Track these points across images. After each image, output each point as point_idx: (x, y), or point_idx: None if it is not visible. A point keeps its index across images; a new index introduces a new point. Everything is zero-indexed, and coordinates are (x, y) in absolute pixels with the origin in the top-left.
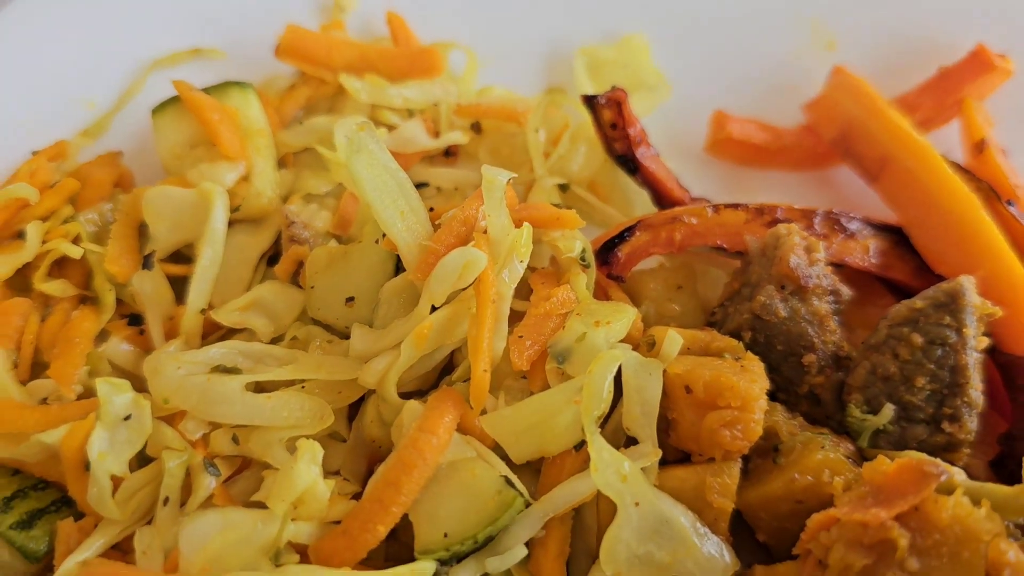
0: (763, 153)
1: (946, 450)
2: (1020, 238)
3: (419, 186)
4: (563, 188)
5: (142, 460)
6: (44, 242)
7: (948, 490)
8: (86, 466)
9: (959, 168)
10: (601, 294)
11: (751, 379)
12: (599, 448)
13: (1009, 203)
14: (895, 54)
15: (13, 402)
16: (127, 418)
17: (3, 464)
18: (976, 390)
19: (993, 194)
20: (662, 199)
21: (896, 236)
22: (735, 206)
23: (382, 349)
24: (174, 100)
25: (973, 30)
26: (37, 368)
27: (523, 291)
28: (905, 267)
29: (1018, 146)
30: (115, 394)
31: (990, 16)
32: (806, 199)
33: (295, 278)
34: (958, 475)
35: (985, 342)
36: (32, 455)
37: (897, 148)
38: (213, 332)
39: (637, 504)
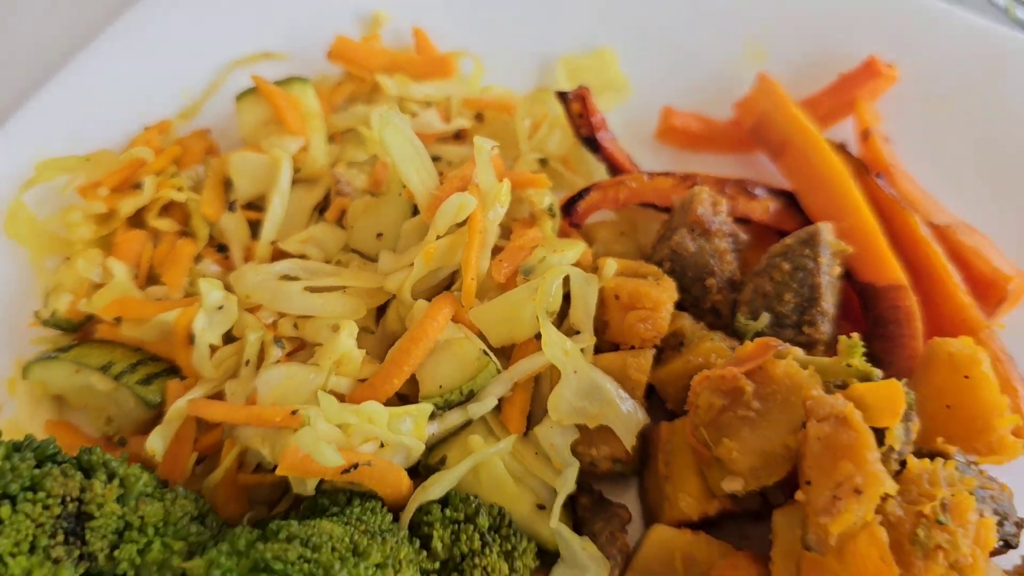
0: (699, 140)
1: (806, 347)
2: (882, 201)
3: (434, 159)
4: (542, 162)
5: (228, 339)
6: (156, 191)
7: (784, 357)
8: (191, 340)
9: (839, 149)
10: (563, 237)
11: (662, 291)
12: (548, 331)
13: (878, 176)
14: (807, 64)
15: (136, 299)
16: (220, 307)
17: (129, 344)
18: (828, 303)
19: (863, 168)
20: (616, 171)
21: (788, 199)
22: (665, 174)
23: (401, 266)
24: (252, 90)
25: (868, 46)
26: (151, 281)
27: (505, 235)
28: (793, 222)
29: (899, 136)
30: (212, 290)
31: (882, 35)
32: (730, 173)
33: (340, 221)
34: (795, 351)
35: (838, 270)
36: (151, 336)
37: (794, 134)
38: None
39: (576, 372)
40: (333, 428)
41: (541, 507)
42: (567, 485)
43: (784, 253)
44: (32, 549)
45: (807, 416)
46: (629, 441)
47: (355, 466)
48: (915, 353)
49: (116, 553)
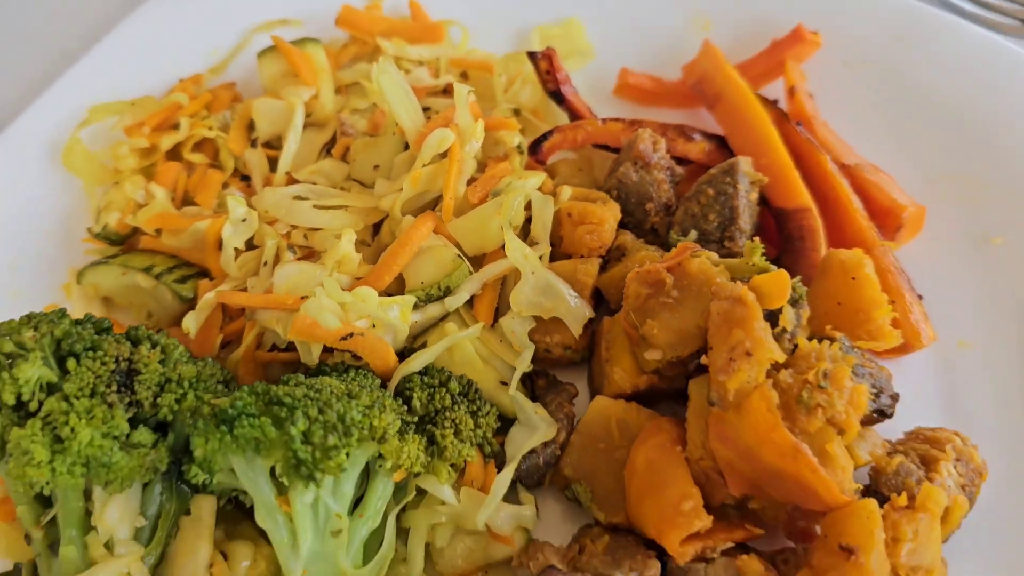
0: (652, 96)
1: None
2: (798, 144)
3: (425, 110)
4: (516, 112)
5: (250, 246)
6: (190, 130)
7: (699, 256)
8: (219, 245)
9: (765, 102)
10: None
11: (607, 210)
12: (511, 238)
13: (798, 123)
14: (746, 33)
15: (174, 214)
16: (244, 220)
17: (167, 251)
18: (745, 222)
19: (784, 117)
20: (577, 119)
21: (720, 141)
22: (616, 120)
23: (393, 190)
24: (271, 48)
25: (797, 16)
26: (186, 203)
27: (482, 170)
28: (723, 160)
29: (821, 93)
30: (237, 205)
31: (809, 6)
32: None
33: (344, 157)
34: (709, 253)
35: (755, 196)
36: (186, 243)
37: (727, 88)
38: None
39: (533, 273)
40: (334, 304)
41: (504, 384)
42: (524, 363)
43: (709, 181)
44: (92, 394)
45: (712, 299)
46: (576, 330)
47: (351, 335)
48: (817, 263)
49: (158, 401)
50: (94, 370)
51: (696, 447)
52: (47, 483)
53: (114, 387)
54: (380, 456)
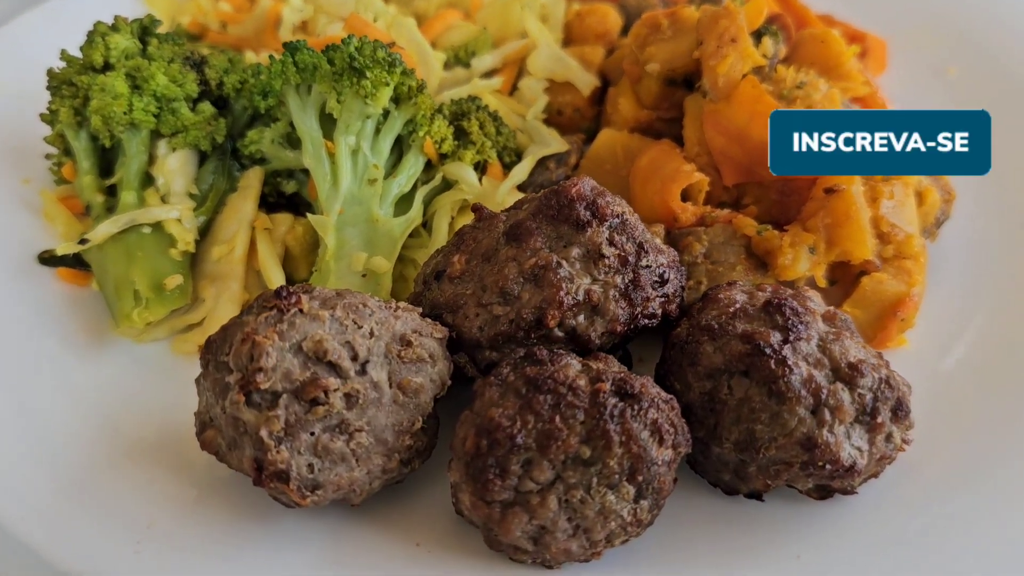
0: None
1: None
2: None
3: None
4: None
5: None
6: None
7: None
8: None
9: None
10: None
11: (611, 8)
12: (528, 16)
13: None
14: None
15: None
16: (300, 10)
17: (231, 43)
18: None
19: None
20: None
21: None
22: None
23: None
24: None
25: None
26: None
27: None
28: None
29: None
30: None
31: None
32: None
33: None
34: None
35: None
36: (249, 31)
37: None
38: None
39: (547, 46)
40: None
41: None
42: (539, 105)
43: None
44: (170, 61)
45: (700, 27)
46: (585, 91)
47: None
48: None
49: (224, 79)
50: (172, 49)
51: (692, 144)
52: (122, 123)
53: (188, 65)
54: (414, 131)
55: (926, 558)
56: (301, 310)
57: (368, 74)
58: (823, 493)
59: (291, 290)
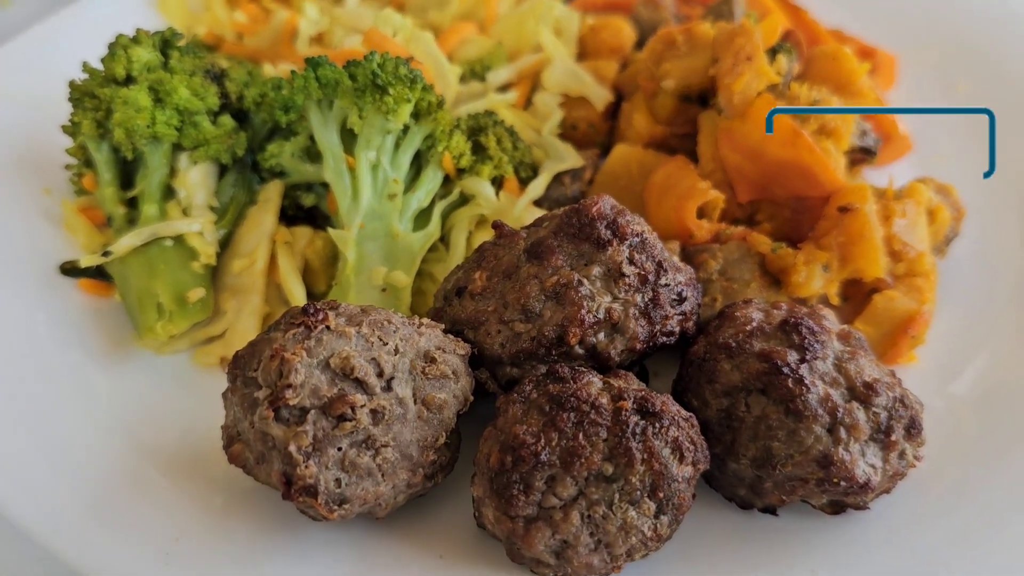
0: None
1: None
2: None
3: None
4: None
5: None
6: None
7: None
8: (294, 38)
9: None
10: None
11: (623, 23)
12: (544, 31)
13: None
14: None
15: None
16: (316, 22)
17: (247, 54)
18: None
19: None
20: None
21: None
22: None
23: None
24: None
25: None
26: None
27: None
28: None
29: None
30: (311, 6)
31: None
32: None
33: None
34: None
35: None
36: (265, 42)
37: None
38: None
39: (562, 60)
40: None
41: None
42: (554, 119)
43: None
44: (191, 74)
45: (716, 45)
46: (599, 106)
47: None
48: None
49: (244, 93)
50: (193, 62)
51: (707, 161)
52: (144, 135)
53: (209, 78)
54: (432, 146)
55: (937, 573)
56: (328, 327)
57: (390, 90)
58: (836, 508)
59: (318, 307)
